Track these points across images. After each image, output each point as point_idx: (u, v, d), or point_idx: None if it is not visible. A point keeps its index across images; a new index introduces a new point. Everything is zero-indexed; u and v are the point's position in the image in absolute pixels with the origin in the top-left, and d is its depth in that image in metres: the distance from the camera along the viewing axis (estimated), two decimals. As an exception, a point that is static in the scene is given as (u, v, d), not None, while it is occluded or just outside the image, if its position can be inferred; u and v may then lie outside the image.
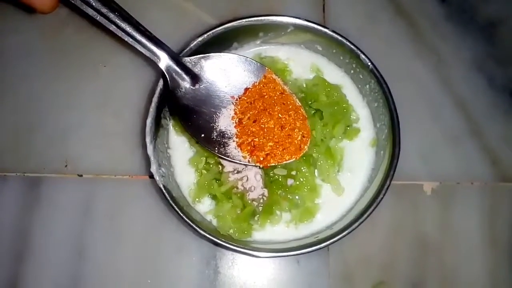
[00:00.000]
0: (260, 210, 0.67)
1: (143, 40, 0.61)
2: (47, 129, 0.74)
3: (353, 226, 0.63)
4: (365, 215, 0.63)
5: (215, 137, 0.64)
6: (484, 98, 0.79)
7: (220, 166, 0.67)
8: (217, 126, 0.64)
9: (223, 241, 0.62)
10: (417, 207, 0.74)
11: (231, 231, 0.65)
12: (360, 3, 0.82)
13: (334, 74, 0.73)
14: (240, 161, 0.63)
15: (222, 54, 0.66)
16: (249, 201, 0.66)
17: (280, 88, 0.66)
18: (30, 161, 0.72)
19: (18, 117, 0.74)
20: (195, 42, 0.67)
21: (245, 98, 0.65)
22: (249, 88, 0.65)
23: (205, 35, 0.67)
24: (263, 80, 0.66)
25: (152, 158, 0.64)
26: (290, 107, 0.65)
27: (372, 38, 0.79)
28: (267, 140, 0.64)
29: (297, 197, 0.67)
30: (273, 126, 0.64)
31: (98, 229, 0.70)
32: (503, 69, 0.80)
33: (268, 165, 0.64)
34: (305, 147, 0.64)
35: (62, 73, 0.76)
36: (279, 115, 0.64)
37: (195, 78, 0.64)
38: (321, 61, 0.73)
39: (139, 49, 0.61)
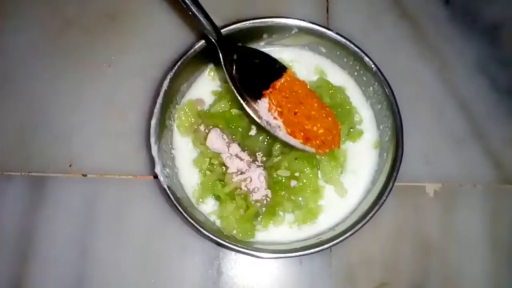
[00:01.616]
0: (264, 211, 0.67)
1: (201, 13, 0.63)
2: (52, 129, 0.74)
3: (356, 228, 0.63)
4: (368, 217, 0.63)
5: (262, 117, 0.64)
6: (487, 100, 0.79)
7: (223, 167, 0.68)
8: (259, 109, 0.64)
9: (226, 242, 0.62)
10: (420, 208, 0.74)
11: (235, 231, 0.66)
12: (364, 5, 0.82)
13: (337, 76, 0.73)
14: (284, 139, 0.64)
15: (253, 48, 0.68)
16: (253, 202, 0.66)
17: (306, 86, 0.68)
18: (35, 161, 0.73)
19: (23, 117, 0.75)
20: (199, 44, 0.67)
21: (278, 92, 0.65)
22: (277, 83, 0.66)
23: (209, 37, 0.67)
24: (288, 79, 0.67)
25: (156, 159, 0.64)
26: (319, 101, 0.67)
27: (376, 40, 0.79)
28: (318, 128, 0.65)
29: (300, 198, 0.67)
30: (317, 115, 0.65)
31: (102, 229, 0.70)
32: (507, 71, 0.80)
33: (327, 150, 0.65)
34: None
35: (66, 73, 0.76)
36: (317, 105, 0.66)
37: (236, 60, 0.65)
38: (325, 63, 0.74)
39: (198, 21, 0.63)
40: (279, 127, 0.63)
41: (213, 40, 0.64)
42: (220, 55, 0.64)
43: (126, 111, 0.75)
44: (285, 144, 0.65)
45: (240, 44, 0.68)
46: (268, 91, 0.64)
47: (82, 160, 0.73)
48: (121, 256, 0.70)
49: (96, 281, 0.69)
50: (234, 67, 0.65)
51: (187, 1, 0.61)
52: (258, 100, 0.64)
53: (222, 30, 0.67)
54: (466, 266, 0.72)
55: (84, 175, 0.72)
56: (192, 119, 0.70)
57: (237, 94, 0.63)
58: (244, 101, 0.63)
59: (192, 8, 0.62)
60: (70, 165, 0.73)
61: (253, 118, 0.63)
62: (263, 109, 0.63)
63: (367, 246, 0.72)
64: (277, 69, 0.67)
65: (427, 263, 0.72)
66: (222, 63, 0.64)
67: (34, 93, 0.75)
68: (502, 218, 0.74)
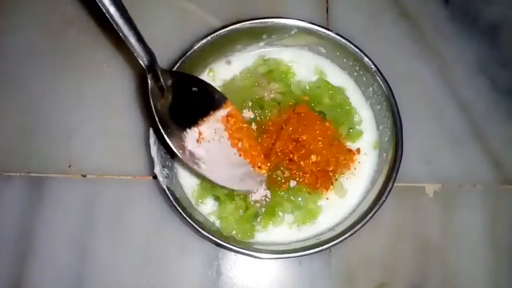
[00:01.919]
0: (263, 211, 0.67)
1: (135, 41, 0.58)
2: (51, 129, 0.74)
3: (356, 228, 0.63)
4: (368, 217, 0.63)
5: (188, 155, 0.62)
6: (487, 100, 0.79)
7: (223, 168, 0.68)
8: (187, 145, 0.62)
9: (226, 242, 0.62)
10: (419, 209, 0.74)
11: (234, 232, 0.66)
12: (364, 5, 0.82)
13: (337, 76, 0.73)
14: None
15: (190, 75, 0.66)
16: (252, 203, 0.67)
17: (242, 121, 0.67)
18: (34, 161, 0.73)
19: (22, 117, 0.74)
20: (199, 44, 0.67)
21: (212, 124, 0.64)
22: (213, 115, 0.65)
23: (209, 37, 0.67)
24: (230, 112, 0.66)
25: (155, 159, 0.64)
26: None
27: (375, 40, 0.79)
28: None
29: (299, 198, 0.67)
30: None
31: (102, 229, 0.70)
32: (506, 71, 0.80)
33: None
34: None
35: (66, 73, 0.76)
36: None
37: (167, 91, 0.62)
38: (324, 63, 0.74)
39: (130, 47, 0.58)
40: (201, 159, 0.62)
41: (142, 65, 0.59)
42: (149, 80, 0.59)
43: (126, 111, 0.75)
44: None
45: (178, 71, 0.65)
46: (202, 120, 0.63)
47: (81, 161, 0.73)
48: (120, 257, 0.70)
49: (95, 281, 0.69)
50: (166, 94, 0.61)
51: (118, 22, 0.56)
52: (188, 130, 0.62)
53: (220, 32, 0.67)
54: (466, 266, 0.72)
55: (84, 176, 0.72)
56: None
57: (158, 123, 0.59)
58: (164, 129, 0.59)
59: (123, 30, 0.56)
60: (70, 166, 0.73)
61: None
62: (192, 138, 0.62)
63: (366, 246, 0.72)
64: (216, 99, 0.65)
65: (426, 264, 0.72)
66: (149, 87, 0.59)
67: (33, 93, 0.75)
68: (501, 219, 0.74)
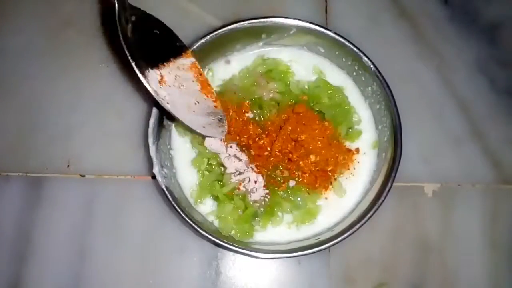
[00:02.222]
0: (262, 211, 0.67)
1: None
2: (50, 129, 0.74)
3: (355, 228, 0.63)
4: (367, 217, 0.63)
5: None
6: (486, 100, 0.79)
7: (222, 168, 0.68)
8: (150, 81, 0.61)
9: (225, 242, 0.62)
10: (418, 208, 0.74)
11: (233, 232, 0.66)
12: (363, 5, 0.82)
13: (336, 76, 0.73)
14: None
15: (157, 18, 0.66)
16: (251, 203, 0.66)
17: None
18: (33, 161, 0.73)
19: (21, 117, 0.74)
20: (198, 44, 0.67)
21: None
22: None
23: (208, 36, 0.67)
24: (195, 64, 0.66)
25: (154, 159, 0.64)
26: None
27: (375, 40, 0.79)
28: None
29: (298, 198, 0.67)
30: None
31: (100, 229, 0.70)
32: (505, 71, 0.80)
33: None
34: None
35: (64, 73, 0.76)
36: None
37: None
38: (323, 63, 0.74)
39: None
40: (165, 100, 0.61)
41: None
42: (116, 10, 0.59)
43: (124, 111, 0.75)
44: None
45: (143, 10, 0.65)
46: (163, 64, 0.63)
47: (80, 161, 0.73)
48: (119, 256, 0.70)
49: (93, 281, 0.69)
50: (131, 29, 0.61)
51: None
52: (150, 69, 0.62)
53: (219, 31, 0.67)
54: (465, 266, 0.72)
55: (82, 176, 0.72)
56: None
57: (128, 55, 0.59)
58: (133, 61, 0.59)
59: None
60: (68, 166, 0.73)
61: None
62: (153, 79, 0.62)
63: (365, 246, 0.72)
64: (177, 46, 0.66)
65: (425, 263, 0.72)
66: (117, 19, 0.59)
67: (32, 93, 0.75)
68: (500, 218, 0.74)
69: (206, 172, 0.68)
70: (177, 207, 0.62)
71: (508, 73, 0.80)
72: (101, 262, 0.69)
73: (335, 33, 0.68)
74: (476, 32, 0.82)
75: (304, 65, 0.73)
